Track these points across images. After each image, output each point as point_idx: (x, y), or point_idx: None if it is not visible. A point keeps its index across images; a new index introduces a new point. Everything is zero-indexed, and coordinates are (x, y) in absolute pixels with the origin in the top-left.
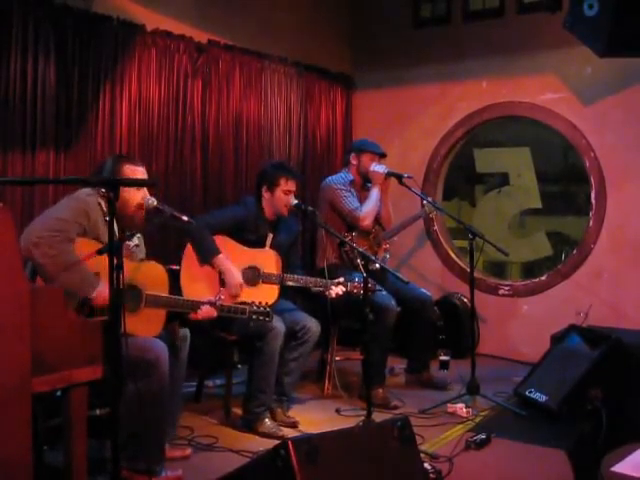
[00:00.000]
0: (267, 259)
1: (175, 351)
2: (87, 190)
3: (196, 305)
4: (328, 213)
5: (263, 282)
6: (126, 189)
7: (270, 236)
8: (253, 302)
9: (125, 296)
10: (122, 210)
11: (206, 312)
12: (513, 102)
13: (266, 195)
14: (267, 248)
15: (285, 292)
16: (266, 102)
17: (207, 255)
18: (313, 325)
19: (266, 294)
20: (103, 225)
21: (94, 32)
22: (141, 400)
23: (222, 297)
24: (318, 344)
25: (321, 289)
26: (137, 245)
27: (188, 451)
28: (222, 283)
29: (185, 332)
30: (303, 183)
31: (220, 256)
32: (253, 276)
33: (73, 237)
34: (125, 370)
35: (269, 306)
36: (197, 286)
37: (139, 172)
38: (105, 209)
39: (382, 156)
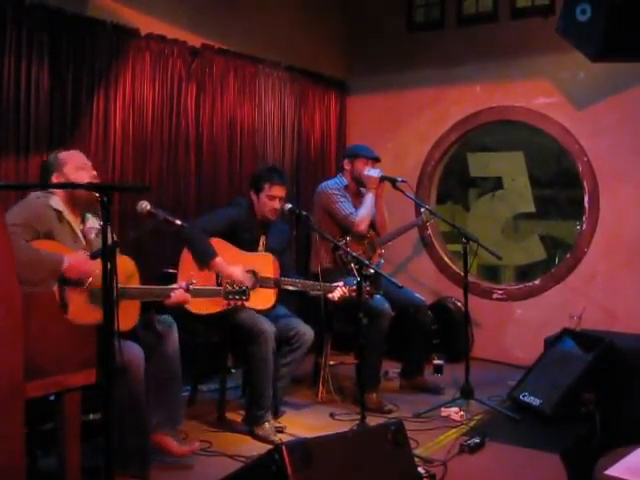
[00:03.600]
0: (264, 263)
1: (159, 344)
2: (34, 194)
3: (168, 291)
4: (322, 218)
5: (261, 286)
6: (69, 169)
7: (263, 238)
8: (227, 283)
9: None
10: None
11: (179, 296)
12: (507, 106)
13: (254, 198)
14: (263, 252)
15: (280, 296)
16: (260, 106)
17: (204, 259)
18: (307, 331)
19: (264, 298)
20: (57, 223)
21: (88, 36)
22: (117, 405)
23: (194, 281)
24: (312, 348)
25: (319, 292)
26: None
27: (196, 445)
28: (219, 284)
29: (167, 319)
30: (297, 188)
31: (217, 259)
32: (251, 280)
33: (27, 239)
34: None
35: (243, 288)
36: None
37: (75, 154)
38: (55, 207)
39: (375, 160)
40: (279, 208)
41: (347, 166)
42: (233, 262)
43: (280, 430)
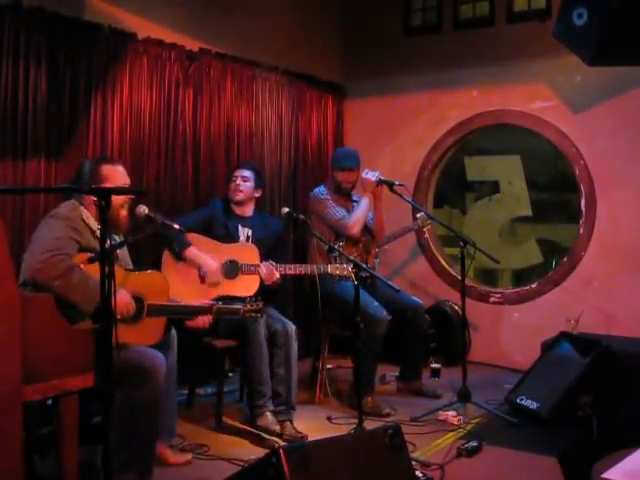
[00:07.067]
0: (245, 251)
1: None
2: (67, 206)
3: (195, 311)
4: (317, 224)
5: (243, 274)
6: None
7: (246, 231)
8: (245, 302)
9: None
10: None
11: (202, 320)
12: (503, 110)
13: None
14: (244, 242)
15: (274, 299)
16: (257, 110)
17: (178, 249)
18: (281, 327)
19: (247, 286)
20: (92, 237)
21: (85, 40)
22: (134, 408)
23: (220, 303)
24: (308, 352)
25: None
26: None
27: (189, 456)
28: (202, 281)
29: (166, 338)
30: (294, 191)
31: (190, 248)
32: (232, 269)
33: (72, 253)
34: (120, 376)
35: (259, 307)
36: (179, 288)
37: (119, 171)
38: (88, 222)
39: (350, 169)
40: (239, 184)
41: (330, 173)
42: (213, 253)
43: (302, 439)
